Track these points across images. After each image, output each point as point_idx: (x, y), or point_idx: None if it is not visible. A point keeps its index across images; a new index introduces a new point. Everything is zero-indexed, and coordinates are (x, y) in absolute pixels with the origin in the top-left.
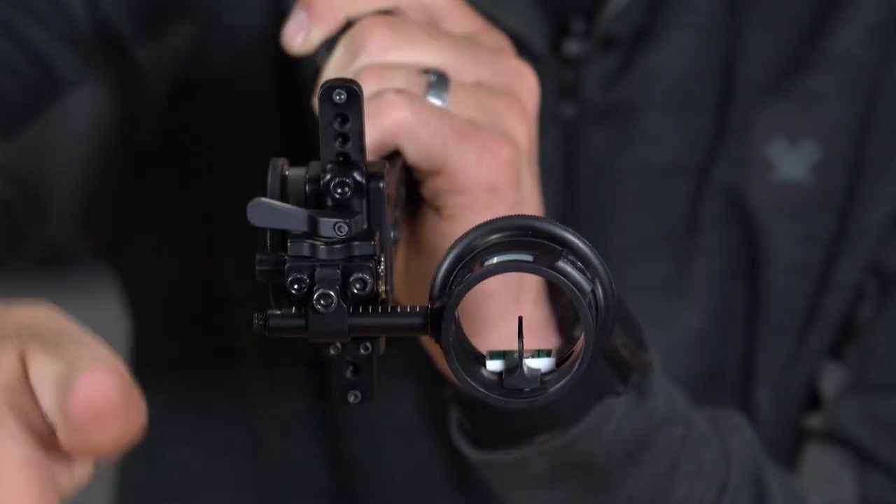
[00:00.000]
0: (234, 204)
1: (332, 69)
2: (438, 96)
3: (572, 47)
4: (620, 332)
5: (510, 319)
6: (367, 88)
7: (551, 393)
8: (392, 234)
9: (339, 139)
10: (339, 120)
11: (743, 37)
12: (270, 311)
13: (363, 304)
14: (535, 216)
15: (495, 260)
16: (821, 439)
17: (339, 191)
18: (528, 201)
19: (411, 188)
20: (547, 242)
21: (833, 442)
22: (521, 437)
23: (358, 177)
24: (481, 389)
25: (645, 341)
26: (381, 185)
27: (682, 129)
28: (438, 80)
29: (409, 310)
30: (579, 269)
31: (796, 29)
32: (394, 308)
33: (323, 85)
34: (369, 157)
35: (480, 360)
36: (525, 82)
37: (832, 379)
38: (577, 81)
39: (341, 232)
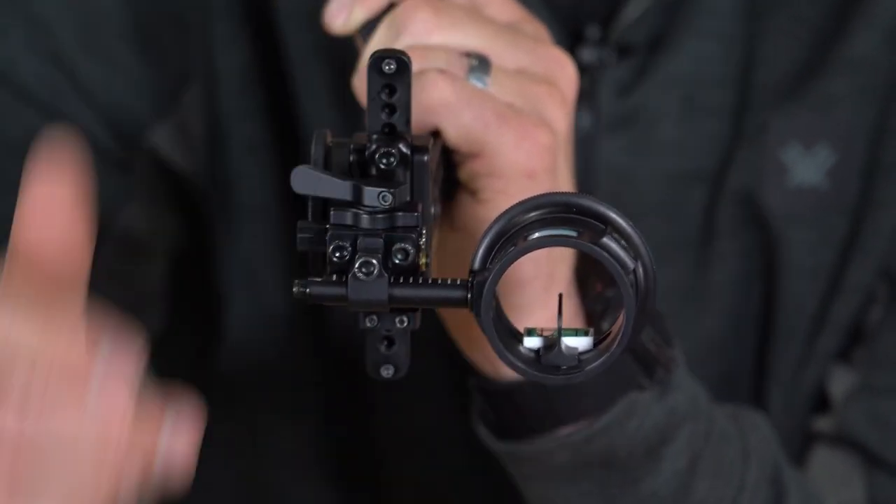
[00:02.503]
0: None
1: (374, 48)
2: (480, 80)
3: (587, 55)
4: (648, 326)
5: (541, 308)
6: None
7: (588, 371)
8: (432, 210)
9: (387, 110)
10: (386, 91)
11: (760, 43)
12: (311, 279)
13: (404, 276)
14: (578, 193)
15: (538, 235)
16: (829, 441)
17: (384, 161)
18: (564, 187)
19: (449, 170)
20: (589, 220)
21: (841, 444)
22: (544, 429)
23: (403, 148)
24: (520, 364)
25: (670, 336)
26: (426, 157)
27: (697, 135)
28: (480, 64)
29: (450, 282)
30: (623, 247)
31: (813, 34)
32: (434, 280)
33: (373, 54)
34: (417, 134)
35: (518, 337)
36: (565, 71)
37: (841, 382)
38: (593, 89)
39: (385, 202)
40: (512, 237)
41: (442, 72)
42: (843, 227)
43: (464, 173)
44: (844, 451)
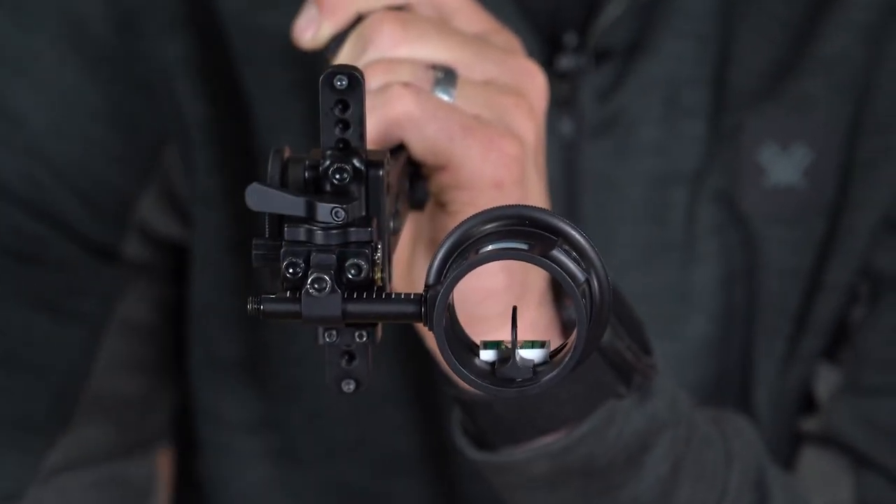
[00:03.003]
0: None
1: (342, 62)
2: (446, 92)
3: (566, 62)
4: (624, 335)
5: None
6: (375, 81)
7: (543, 383)
8: (392, 224)
9: (340, 125)
10: (339, 106)
11: (735, 42)
12: (265, 295)
13: (358, 291)
14: (531, 206)
15: (490, 248)
16: (816, 442)
17: (337, 176)
18: (534, 199)
19: (417, 183)
20: (543, 233)
21: (829, 445)
22: (523, 439)
23: (357, 163)
24: (472, 377)
25: (648, 344)
26: (381, 172)
27: (677, 136)
28: (446, 76)
29: (403, 297)
30: (574, 260)
31: (787, 33)
32: (388, 295)
33: (325, 71)
34: (374, 149)
35: (474, 349)
36: (534, 81)
37: (826, 381)
38: (573, 95)
39: (338, 217)
40: (465, 250)
41: (406, 85)
42: (822, 226)
43: (433, 186)
44: (832, 452)
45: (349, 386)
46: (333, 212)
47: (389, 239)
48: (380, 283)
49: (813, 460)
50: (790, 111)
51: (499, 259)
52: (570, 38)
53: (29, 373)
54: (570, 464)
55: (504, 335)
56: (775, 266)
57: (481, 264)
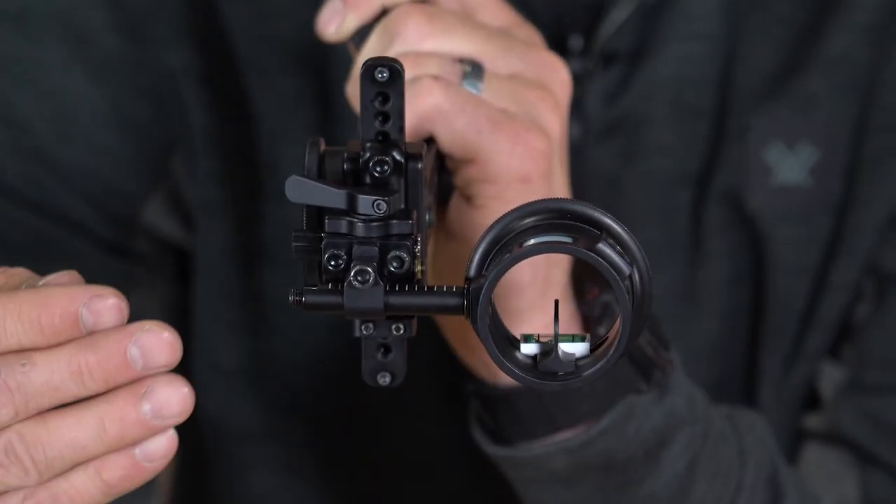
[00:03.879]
0: None
1: (367, 55)
2: (473, 86)
3: (572, 65)
4: (644, 330)
5: (538, 313)
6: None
7: (586, 377)
8: (427, 217)
9: (380, 118)
10: (379, 98)
11: (740, 43)
12: (306, 287)
13: (399, 283)
14: (573, 200)
15: (533, 241)
16: (821, 440)
17: (378, 169)
18: (559, 192)
19: (443, 177)
20: (585, 226)
21: (834, 442)
22: (542, 434)
23: (397, 156)
24: (517, 371)
25: (667, 339)
26: (420, 165)
27: (683, 138)
28: (473, 70)
29: (445, 289)
30: (618, 253)
31: (792, 32)
32: (430, 287)
33: (365, 63)
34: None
35: (514, 343)
36: (558, 75)
37: (831, 379)
38: (580, 98)
39: (380, 210)
40: (507, 244)
41: (435, 78)
42: (828, 224)
43: (459, 179)
44: (837, 450)
45: (385, 379)
46: (375, 204)
47: (426, 232)
48: (419, 275)
49: (818, 458)
50: (796, 111)
51: (546, 252)
52: (576, 42)
53: None
54: (588, 459)
55: (530, 329)
56: (782, 265)
57: (527, 257)
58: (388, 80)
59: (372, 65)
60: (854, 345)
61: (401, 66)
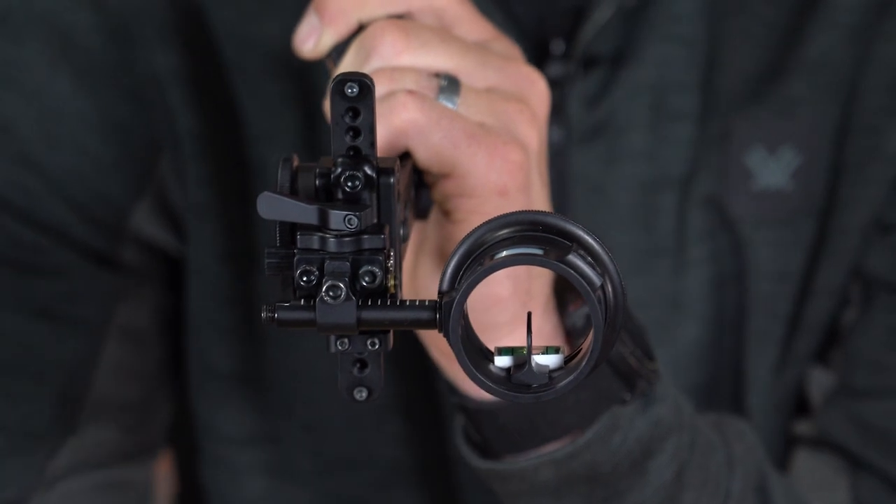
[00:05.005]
0: None
1: (344, 71)
2: (450, 100)
3: (554, 69)
4: (628, 341)
5: (519, 326)
6: (379, 90)
7: (559, 388)
8: (401, 232)
9: (350, 133)
10: (350, 114)
11: (721, 47)
12: (279, 304)
13: (372, 298)
14: (544, 212)
15: (504, 254)
16: (811, 445)
17: (349, 184)
18: (538, 204)
19: (421, 191)
20: (557, 238)
21: (824, 448)
22: (528, 446)
23: (368, 171)
24: (489, 384)
25: (651, 349)
26: (392, 179)
27: (666, 141)
28: (450, 84)
29: (418, 303)
30: (589, 264)
31: (773, 35)
32: (402, 302)
33: (335, 78)
34: (382, 156)
35: (489, 356)
36: (535, 88)
37: (819, 384)
38: (561, 103)
39: (351, 225)
40: (479, 256)
41: (410, 92)
42: (811, 228)
43: (437, 194)
44: (827, 455)
45: (361, 394)
46: (346, 219)
47: (400, 246)
48: (393, 290)
49: (808, 463)
50: (777, 114)
51: (516, 264)
52: (558, 46)
53: (30, 379)
54: (574, 470)
55: (512, 342)
56: (765, 269)
57: (497, 270)
58: (357, 96)
59: (342, 80)
60: (841, 349)
61: (371, 81)
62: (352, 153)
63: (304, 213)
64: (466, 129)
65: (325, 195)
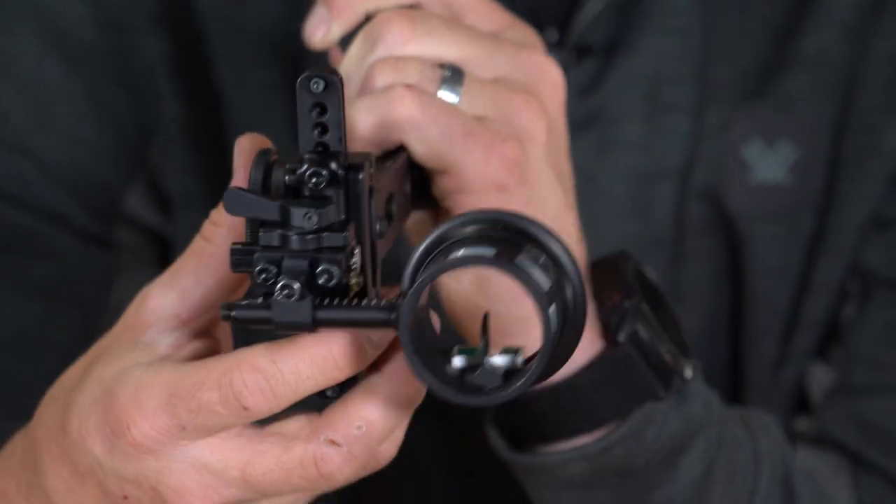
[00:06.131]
0: None
1: (350, 60)
2: (453, 90)
3: None
4: (665, 338)
5: None
6: (382, 80)
7: (508, 393)
8: (378, 228)
9: (318, 129)
10: (317, 110)
11: (717, 39)
12: (236, 302)
13: (332, 297)
14: (504, 211)
15: (461, 253)
16: (812, 443)
17: (313, 181)
18: (546, 197)
19: (425, 187)
20: (516, 237)
21: (825, 446)
22: (558, 438)
23: (335, 167)
24: (437, 384)
25: (688, 346)
26: (360, 175)
27: (661, 133)
28: (453, 75)
29: (374, 304)
30: (542, 266)
31: (770, 30)
32: (360, 302)
33: (303, 74)
34: (374, 150)
35: (448, 356)
36: (548, 77)
37: (819, 381)
38: None
39: (311, 222)
40: (438, 255)
41: (409, 87)
42: (809, 223)
43: (435, 190)
44: (828, 453)
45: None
46: (306, 216)
47: (374, 243)
48: (356, 288)
49: (808, 461)
50: (775, 108)
51: (461, 266)
52: (551, 34)
53: (26, 360)
54: (607, 464)
55: (529, 340)
56: (763, 264)
57: (442, 273)
58: (323, 91)
59: (307, 76)
60: (841, 346)
61: (338, 77)
62: (320, 149)
63: (266, 209)
64: (464, 125)
65: (294, 192)
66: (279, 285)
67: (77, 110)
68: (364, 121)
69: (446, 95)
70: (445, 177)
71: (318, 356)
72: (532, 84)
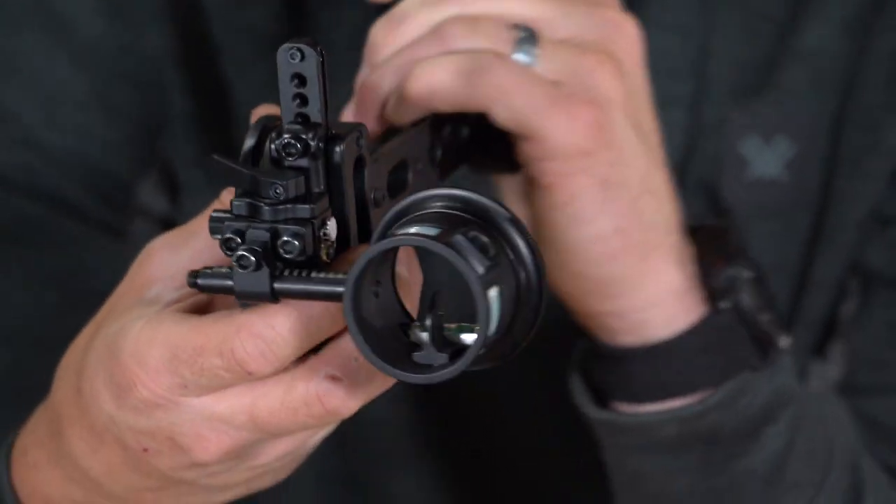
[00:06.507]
0: None
1: (411, 3)
2: (528, 52)
3: None
4: (765, 307)
5: (639, 279)
6: (455, 42)
7: (447, 372)
8: (372, 196)
9: (298, 100)
10: (296, 81)
11: (715, 34)
12: (203, 269)
13: (293, 268)
14: (464, 189)
15: (412, 230)
16: None
17: (286, 151)
18: (631, 159)
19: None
20: (471, 218)
21: None
22: (650, 400)
23: (309, 138)
24: (381, 362)
25: (784, 320)
26: (338, 148)
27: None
28: (528, 37)
29: (331, 276)
30: (481, 247)
31: (769, 26)
32: (318, 274)
33: (283, 45)
34: (447, 108)
35: (406, 330)
36: (623, 33)
37: (819, 378)
38: None
39: (278, 193)
40: (397, 229)
41: (498, 56)
42: (807, 220)
43: (520, 156)
44: None
45: None
46: (273, 188)
47: (367, 214)
48: (326, 259)
49: None
50: (772, 104)
51: (395, 245)
52: None
53: (41, 351)
54: (698, 430)
55: (638, 299)
56: (761, 261)
57: (379, 251)
58: (301, 62)
59: (287, 47)
60: (840, 343)
61: (318, 48)
62: (300, 120)
63: (241, 178)
64: (547, 93)
65: (276, 163)
66: (235, 255)
67: (83, 103)
68: (447, 81)
69: (521, 58)
70: (529, 143)
71: (306, 315)
72: (607, 43)
